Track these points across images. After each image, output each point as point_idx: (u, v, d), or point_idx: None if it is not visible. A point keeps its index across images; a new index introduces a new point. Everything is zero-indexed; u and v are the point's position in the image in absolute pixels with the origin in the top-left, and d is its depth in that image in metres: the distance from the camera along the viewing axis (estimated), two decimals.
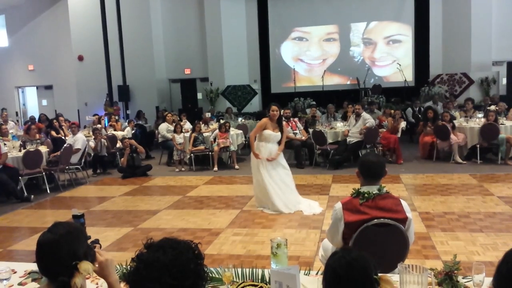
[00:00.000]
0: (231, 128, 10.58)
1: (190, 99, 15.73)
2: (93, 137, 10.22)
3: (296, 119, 10.39)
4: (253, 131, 6.63)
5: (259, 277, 2.35)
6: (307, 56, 15.79)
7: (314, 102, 13.70)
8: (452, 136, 9.21)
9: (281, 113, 6.57)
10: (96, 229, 5.83)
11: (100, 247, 2.51)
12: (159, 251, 1.50)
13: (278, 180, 6.39)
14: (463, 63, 14.11)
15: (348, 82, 15.42)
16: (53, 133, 11.51)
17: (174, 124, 10.85)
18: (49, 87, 18.06)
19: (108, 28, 14.82)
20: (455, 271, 2.15)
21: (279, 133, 6.44)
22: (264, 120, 6.48)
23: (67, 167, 8.94)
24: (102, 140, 10.17)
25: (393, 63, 14.96)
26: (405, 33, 14.98)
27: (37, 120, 13.14)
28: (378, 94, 13.97)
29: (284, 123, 8.99)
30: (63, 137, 11.14)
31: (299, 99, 13.99)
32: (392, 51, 15.14)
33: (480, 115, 9.93)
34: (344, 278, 1.54)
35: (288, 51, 15.95)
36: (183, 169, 10.00)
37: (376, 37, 15.20)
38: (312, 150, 9.81)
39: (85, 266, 1.79)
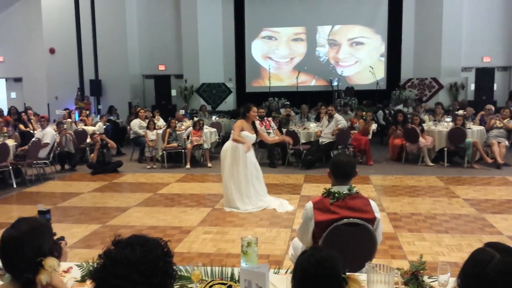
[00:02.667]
0: (205, 126, 10.53)
1: (164, 96, 15.55)
2: (57, 131, 9.76)
3: (270, 119, 10.42)
4: (235, 133, 6.35)
5: (229, 276, 2.35)
6: (276, 55, 16.08)
7: (288, 102, 13.80)
8: (420, 139, 9.41)
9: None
10: (64, 225, 5.71)
11: (66, 244, 2.47)
12: (127, 248, 1.48)
13: (243, 178, 6.39)
14: (433, 68, 14.48)
15: (314, 81, 15.83)
16: (22, 126, 11.21)
17: (146, 120, 10.72)
18: (18, 80, 17.57)
19: (81, 21, 14.52)
20: (421, 271, 2.20)
21: (254, 135, 6.45)
22: (240, 122, 6.42)
23: (35, 162, 8.72)
24: (67, 135, 9.88)
25: (355, 63, 15.54)
26: (367, 35, 15.48)
27: (6, 112, 12.77)
28: (350, 96, 14.17)
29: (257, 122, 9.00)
30: (31, 131, 10.86)
31: (273, 99, 14.06)
32: (355, 52, 15.64)
33: (449, 119, 10.18)
34: (313, 276, 1.55)
35: (257, 49, 16.16)
36: (154, 166, 9.89)
37: (340, 39, 15.67)
38: (285, 150, 9.86)
39: (50, 262, 1.75)
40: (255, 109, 6.42)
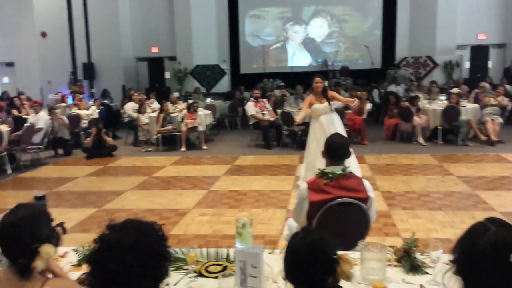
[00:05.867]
0: (200, 108, 10.49)
1: (158, 78, 15.42)
2: (49, 117, 9.50)
3: (265, 100, 10.40)
4: (302, 111, 6.44)
5: (224, 257, 2.38)
6: (264, 33, 16.07)
7: (283, 83, 13.74)
8: (415, 117, 9.43)
9: (325, 84, 6.29)
10: (59, 210, 5.72)
11: (65, 230, 2.48)
12: (122, 232, 1.49)
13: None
14: (428, 47, 14.41)
15: (303, 59, 15.90)
16: (15, 111, 11.13)
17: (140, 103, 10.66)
18: (10, 64, 17.30)
19: (73, 4, 14.35)
20: (413, 248, 2.24)
21: (327, 103, 6.18)
22: (308, 97, 6.35)
23: (29, 147, 8.69)
24: (60, 120, 9.73)
25: (339, 41, 15.72)
26: (350, 13, 15.59)
27: None
28: (345, 76, 14.12)
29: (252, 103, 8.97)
30: (25, 116, 10.78)
31: (268, 80, 14.00)
32: (340, 30, 15.74)
33: (443, 97, 10.18)
34: (304, 259, 1.57)
35: (247, 29, 16.10)
36: (150, 149, 9.88)
37: (325, 17, 15.75)
38: (280, 131, 9.86)
39: (47, 249, 1.77)
40: (317, 79, 6.24)
